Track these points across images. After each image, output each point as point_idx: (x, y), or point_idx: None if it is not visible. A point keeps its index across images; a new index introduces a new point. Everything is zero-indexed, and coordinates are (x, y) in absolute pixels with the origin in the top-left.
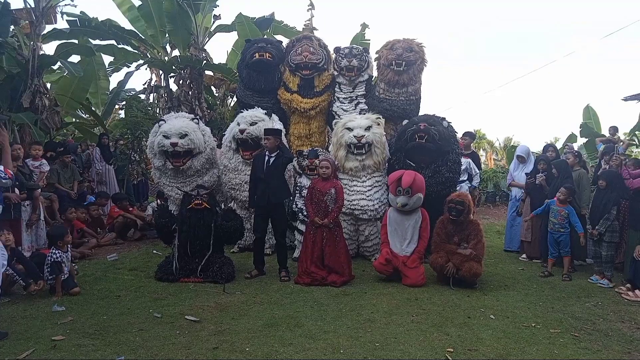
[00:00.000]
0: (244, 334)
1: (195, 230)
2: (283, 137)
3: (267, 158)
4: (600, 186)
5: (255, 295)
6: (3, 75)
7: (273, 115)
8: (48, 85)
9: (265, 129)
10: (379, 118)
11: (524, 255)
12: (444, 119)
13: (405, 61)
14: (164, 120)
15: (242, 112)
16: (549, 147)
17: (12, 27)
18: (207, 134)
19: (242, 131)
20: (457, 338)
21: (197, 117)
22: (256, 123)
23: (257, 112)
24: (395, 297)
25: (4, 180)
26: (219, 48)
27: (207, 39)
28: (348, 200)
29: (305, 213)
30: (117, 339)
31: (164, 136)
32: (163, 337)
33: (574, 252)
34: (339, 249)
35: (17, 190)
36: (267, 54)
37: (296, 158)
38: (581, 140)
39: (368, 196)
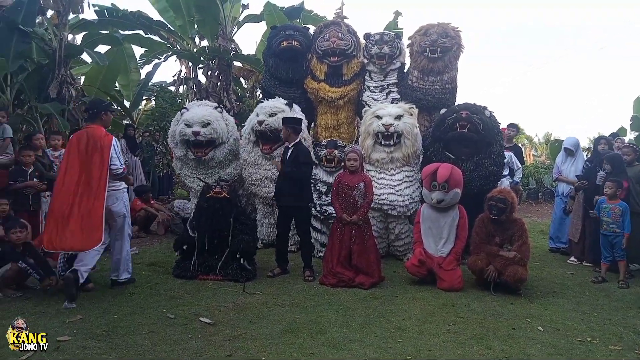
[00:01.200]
0: (260, 340)
1: (214, 222)
2: (305, 129)
3: (289, 151)
4: None
5: (276, 296)
6: (32, 65)
7: (295, 106)
8: (82, 78)
9: (283, 118)
10: (412, 108)
11: (572, 258)
12: (485, 107)
13: (441, 47)
14: (186, 108)
15: (262, 102)
16: (600, 139)
17: (40, 17)
18: (231, 124)
19: (260, 122)
20: (500, 353)
21: (221, 106)
22: (276, 114)
23: (278, 103)
24: (430, 302)
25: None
26: (248, 39)
27: (236, 29)
28: (376, 195)
29: (318, 208)
30: (124, 342)
31: (185, 124)
32: (173, 341)
33: (630, 255)
34: (368, 248)
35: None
36: (295, 42)
37: (313, 149)
38: (632, 134)
39: (397, 191)
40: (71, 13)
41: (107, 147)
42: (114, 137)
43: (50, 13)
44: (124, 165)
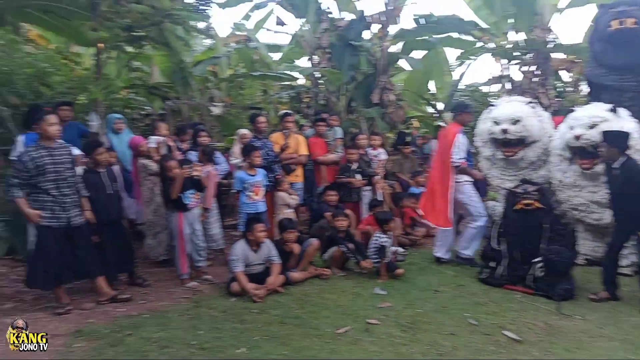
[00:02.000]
0: None
1: (524, 234)
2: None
3: (613, 171)
4: None
5: (601, 326)
6: (361, 76)
7: (619, 110)
8: (402, 84)
9: (604, 133)
10: None
11: None
12: None
13: None
14: (494, 105)
15: (574, 110)
16: None
17: (367, 31)
18: (545, 120)
19: (577, 137)
20: None
21: (533, 101)
22: (597, 125)
23: (597, 110)
24: None
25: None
26: (571, 26)
27: (556, 15)
28: None
29: None
30: (426, 337)
31: (494, 122)
32: (475, 350)
33: None
34: None
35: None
36: (630, 20)
37: None
38: None
39: None
40: (389, 24)
41: (450, 142)
42: (458, 134)
43: (376, 28)
44: (462, 160)
